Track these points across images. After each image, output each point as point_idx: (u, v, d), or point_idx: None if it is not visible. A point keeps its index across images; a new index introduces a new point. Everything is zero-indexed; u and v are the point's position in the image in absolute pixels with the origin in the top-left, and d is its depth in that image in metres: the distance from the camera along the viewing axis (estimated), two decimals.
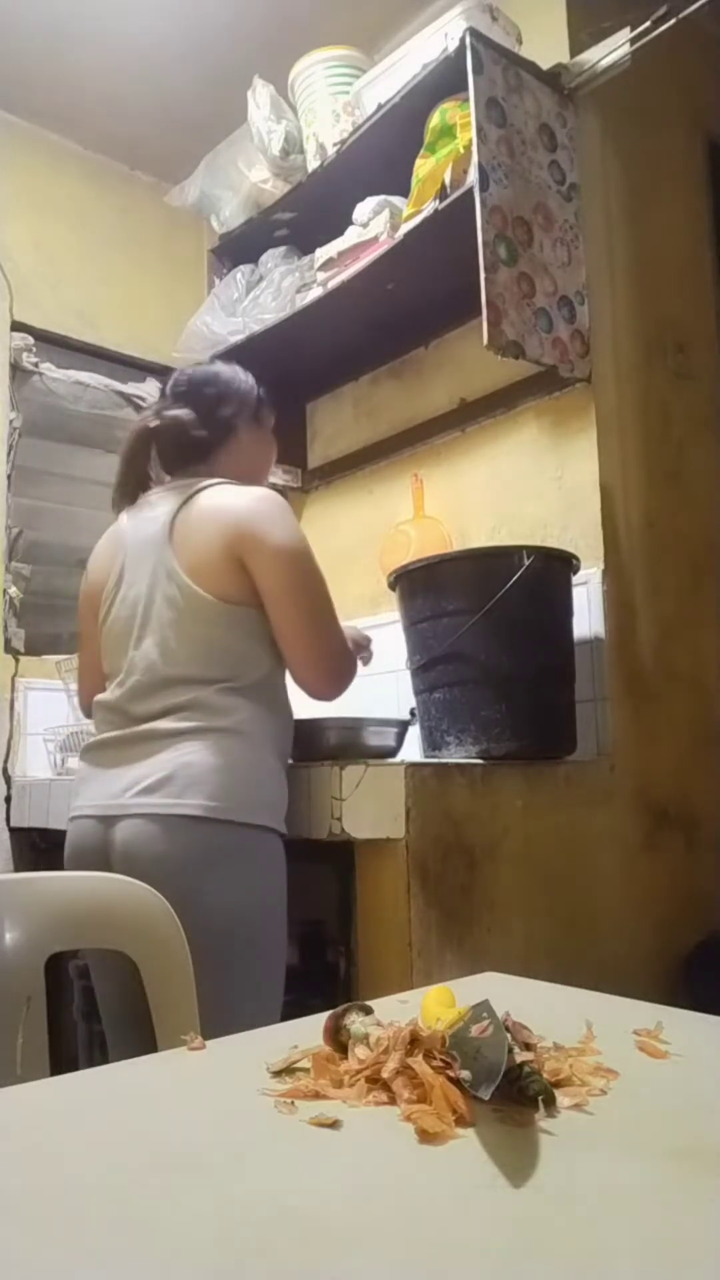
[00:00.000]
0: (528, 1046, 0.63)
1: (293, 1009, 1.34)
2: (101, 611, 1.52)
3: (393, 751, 1.69)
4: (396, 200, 2.08)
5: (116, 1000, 1.42)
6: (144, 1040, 0.99)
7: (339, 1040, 0.65)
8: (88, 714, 1.60)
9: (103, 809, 1.37)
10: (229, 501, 1.40)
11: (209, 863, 1.30)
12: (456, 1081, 0.56)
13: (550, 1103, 0.54)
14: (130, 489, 1.55)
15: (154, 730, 1.36)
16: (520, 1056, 0.57)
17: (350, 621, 2.38)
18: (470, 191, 1.73)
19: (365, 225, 2.12)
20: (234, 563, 1.36)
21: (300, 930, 1.56)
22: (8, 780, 2.38)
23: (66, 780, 2.10)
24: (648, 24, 1.78)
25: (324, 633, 1.41)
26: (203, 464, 1.52)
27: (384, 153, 2.06)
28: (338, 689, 1.45)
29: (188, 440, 1.51)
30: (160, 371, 2.97)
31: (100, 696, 1.50)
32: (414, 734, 1.75)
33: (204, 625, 1.37)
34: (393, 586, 1.79)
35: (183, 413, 1.51)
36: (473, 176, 1.72)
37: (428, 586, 1.70)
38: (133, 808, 1.32)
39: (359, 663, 1.57)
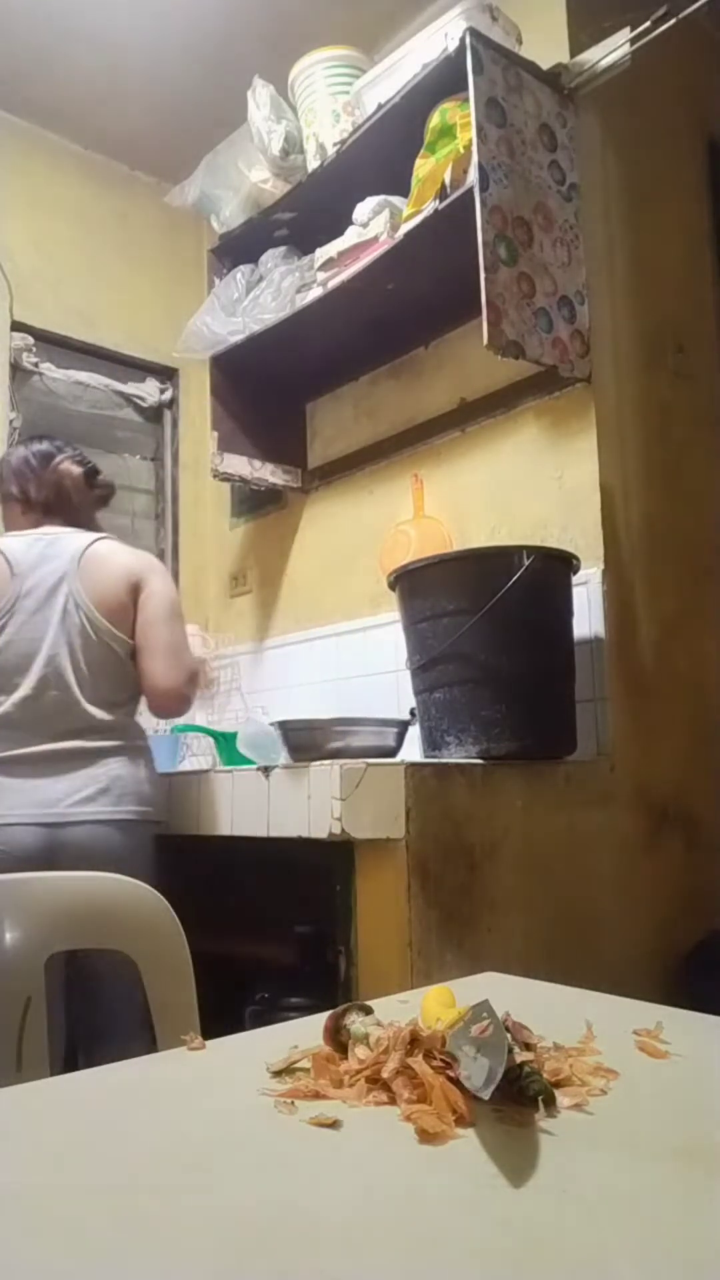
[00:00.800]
0: (528, 1046, 0.63)
1: (293, 1009, 1.34)
2: None
3: (393, 751, 1.69)
4: (396, 200, 2.08)
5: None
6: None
7: (339, 1040, 0.65)
8: None
9: (39, 816, 1.54)
10: (128, 552, 1.72)
11: (147, 857, 1.58)
12: (456, 1081, 0.56)
13: (550, 1103, 0.54)
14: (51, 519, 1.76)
15: (82, 749, 1.59)
16: (520, 1056, 0.58)
17: (349, 621, 2.40)
18: (470, 191, 1.73)
19: (365, 225, 2.12)
20: (131, 599, 1.65)
21: (300, 930, 1.56)
22: None
23: None
24: (648, 24, 1.78)
25: (184, 655, 1.70)
26: (84, 516, 1.79)
27: (384, 153, 2.06)
28: (187, 702, 1.71)
29: (84, 496, 1.80)
30: (160, 372, 2.97)
31: None
32: (414, 734, 1.75)
33: (109, 654, 1.63)
34: (393, 586, 1.79)
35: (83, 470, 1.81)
36: (473, 176, 1.72)
37: (428, 586, 1.70)
38: (76, 815, 1.54)
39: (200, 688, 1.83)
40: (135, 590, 1.65)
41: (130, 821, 1.57)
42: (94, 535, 1.70)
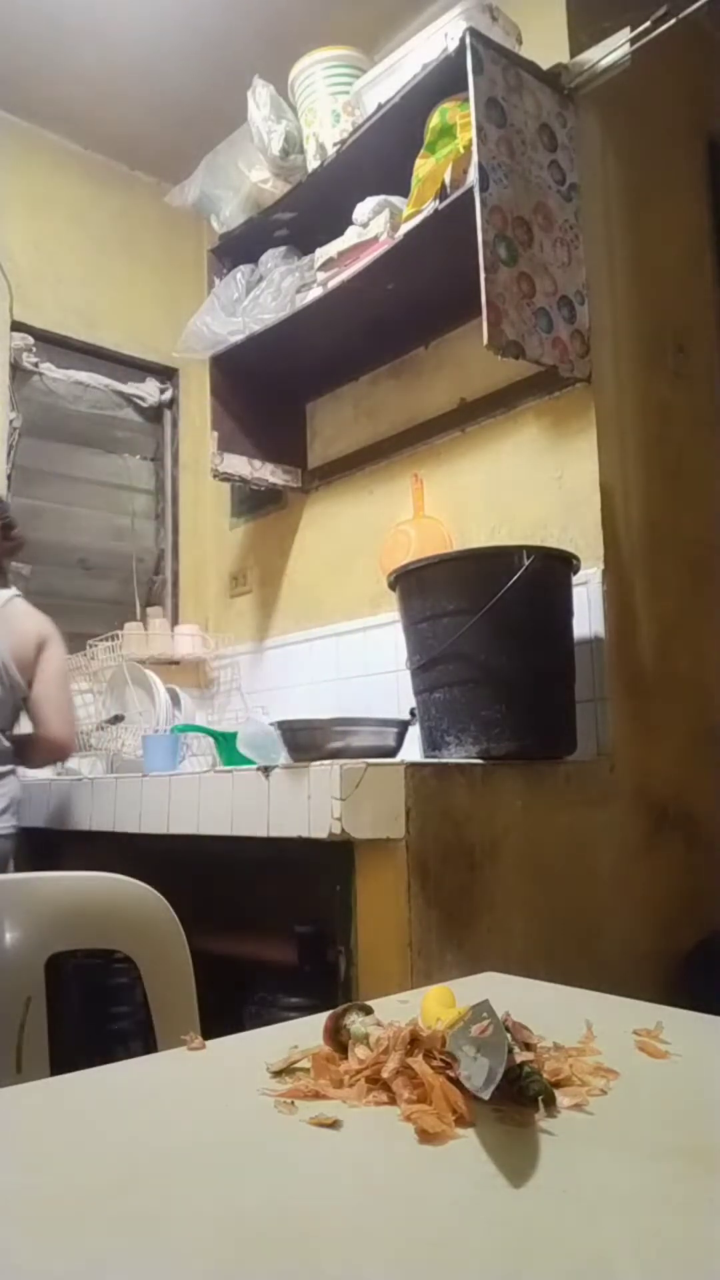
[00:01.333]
0: (528, 1046, 0.63)
1: (293, 1009, 1.34)
2: None
3: (393, 751, 1.69)
4: (396, 200, 2.08)
5: None
6: None
7: (339, 1040, 0.65)
8: None
9: None
10: (36, 613, 1.95)
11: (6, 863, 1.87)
12: (456, 1081, 0.56)
13: (550, 1103, 0.54)
14: None
15: None
16: (520, 1056, 0.57)
17: (349, 621, 2.40)
18: (470, 191, 1.73)
19: (365, 225, 2.12)
20: (36, 656, 1.89)
21: (300, 930, 1.56)
22: None
23: (67, 780, 2.11)
24: (648, 24, 1.78)
25: (74, 713, 2.06)
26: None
27: (384, 153, 2.06)
28: (70, 754, 2.05)
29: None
30: (160, 372, 2.97)
31: None
32: (414, 734, 1.75)
33: (12, 697, 1.88)
34: (393, 586, 1.79)
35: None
36: (473, 176, 1.72)
37: (428, 586, 1.70)
38: None
39: None
40: (41, 649, 1.91)
41: (13, 836, 1.87)
42: (11, 591, 1.93)
